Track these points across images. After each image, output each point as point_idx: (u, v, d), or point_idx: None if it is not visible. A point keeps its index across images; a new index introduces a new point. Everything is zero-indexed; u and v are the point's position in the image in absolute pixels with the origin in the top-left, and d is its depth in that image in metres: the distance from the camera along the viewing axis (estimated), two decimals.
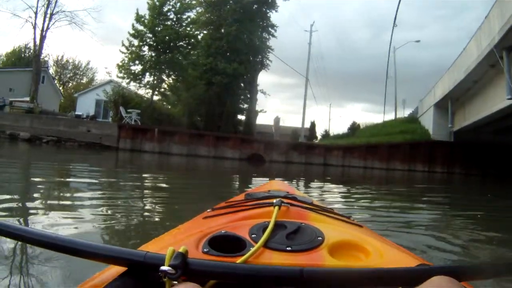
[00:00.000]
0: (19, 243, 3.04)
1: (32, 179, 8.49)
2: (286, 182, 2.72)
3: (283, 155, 27.31)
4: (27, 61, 40.73)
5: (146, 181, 10.23)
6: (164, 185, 9.78)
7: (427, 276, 0.71)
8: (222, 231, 1.11)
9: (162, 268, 0.77)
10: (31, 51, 35.84)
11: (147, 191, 8.30)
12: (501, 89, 16.32)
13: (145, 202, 6.64)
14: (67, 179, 9.11)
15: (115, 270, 0.90)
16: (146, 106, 30.37)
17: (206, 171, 17.25)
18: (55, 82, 46.84)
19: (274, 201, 1.35)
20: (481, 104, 20.69)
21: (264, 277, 0.79)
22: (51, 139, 22.94)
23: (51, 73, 45.29)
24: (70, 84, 55.24)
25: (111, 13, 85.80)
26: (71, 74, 56.29)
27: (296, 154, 27.78)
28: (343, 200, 8.77)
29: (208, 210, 1.60)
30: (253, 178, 13.99)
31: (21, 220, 4.40)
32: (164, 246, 0.98)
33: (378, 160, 27.57)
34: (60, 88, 50.83)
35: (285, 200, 1.40)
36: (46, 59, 44.54)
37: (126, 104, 28.44)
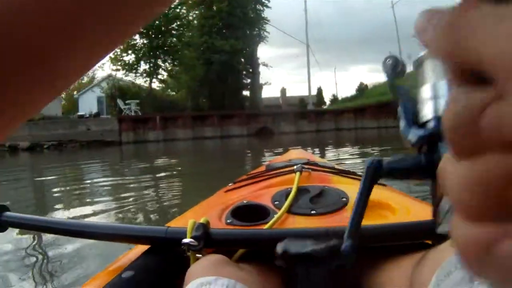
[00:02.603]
0: (42, 234, 3.44)
1: (45, 184, 8.86)
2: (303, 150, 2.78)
3: (293, 125, 26.71)
4: None
5: (156, 169, 10.41)
6: (175, 170, 9.98)
7: None
8: (244, 201, 1.10)
9: (184, 240, 0.78)
10: None
11: (159, 178, 8.46)
12: None
13: (160, 188, 7.04)
14: (77, 179, 9.44)
15: (138, 250, 0.91)
16: (146, 95, 30.10)
17: (216, 151, 17.35)
18: None
19: (295, 167, 1.32)
20: None
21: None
22: (52, 143, 22.51)
23: None
24: (71, 86, 54.40)
25: None
26: None
27: (306, 123, 27.22)
28: (362, 162, 8.64)
29: (229, 184, 1.58)
30: (266, 152, 13.79)
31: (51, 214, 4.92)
32: (186, 222, 0.92)
33: (391, 118, 26.37)
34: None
35: (306, 166, 1.38)
36: None
37: (123, 96, 28.14)
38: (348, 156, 10.74)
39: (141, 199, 5.68)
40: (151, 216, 4.77)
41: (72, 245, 3.21)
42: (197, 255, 0.79)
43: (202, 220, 0.82)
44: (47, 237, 3.60)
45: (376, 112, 27.01)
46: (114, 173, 10.54)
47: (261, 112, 29.30)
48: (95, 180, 8.73)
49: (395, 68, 0.52)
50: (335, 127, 26.71)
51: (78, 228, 0.99)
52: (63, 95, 48.87)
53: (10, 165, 15.51)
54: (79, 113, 31.18)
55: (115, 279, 0.80)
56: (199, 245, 0.77)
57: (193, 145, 21.26)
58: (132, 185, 7.36)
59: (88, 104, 34.93)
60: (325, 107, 37.71)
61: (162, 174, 9.17)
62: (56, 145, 22.60)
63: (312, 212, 0.99)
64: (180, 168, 10.42)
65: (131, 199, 5.67)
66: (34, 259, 3.26)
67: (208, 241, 0.79)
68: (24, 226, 1.08)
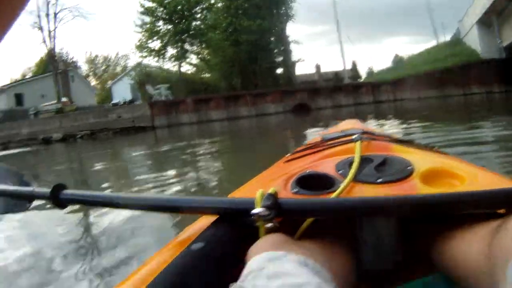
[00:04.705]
0: (100, 209, 3.65)
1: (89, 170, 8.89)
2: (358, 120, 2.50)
3: (329, 100, 26.17)
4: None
5: (193, 146, 10.57)
6: (213, 147, 10.03)
7: None
8: (308, 171, 1.07)
9: (254, 210, 0.75)
10: (56, 55, 35.84)
11: (198, 155, 8.53)
12: None
13: (200, 163, 7.06)
14: (117, 160, 9.87)
15: (203, 223, 0.90)
16: (176, 79, 29.97)
17: (252, 129, 17.29)
18: (89, 78, 47.85)
19: (354, 136, 1.29)
20: None
21: (361, 209, 0.77)
22: (85, 133, 22.74)
23: (82, 71, 46.13)
24: (105, 76, 55.32)
25: None
26: (104, 67, 56.60)
27: (343, 97, 26.59)
28: (414, 132, 8.45)
29: (287, 155, 1.56)
30: (305, 127, 13.43)
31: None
32: (248, 193, 0.92)
33: (430, 89, 25.42)
34: (97, 82, 52.04)
35: (365, 135, 1.34)
36: (73, 59, 45.49)
37: (153, 81, 28.23)
38: (395, 129, 10.11)
39: (184, 175, 5.80)
40: (202, 189, 4.81)
41: (131, 219, 3.33)
42: (266, 225, 0.75)
43: (271, 191, 0.78)
44: (104, 212, 3.72)
45: (413, 84, 25.87)
46: (152, 154, 10.68)
47: (296, 88, 28.71)
48: (134, 160, 9.13)
49: None
50: (374, 100, 25.99)
51: (141, 202, 0.99)
52: (99, 86, 49.79)
53: (48, 154, 15.84)
54: (113, 102, 31.59)
55: (185, 251, 0.79)
56: (270, 215, 0.74)
57: (229, 125, 21.13)
58: (171, 163, 7.54)
59: (121, 92, 35.22)
60: (361, 80, 36.67)
61: (201, 151, 9.13)
62: (89, 134, 22.76)
63: (378, 180, 0.94)
64: (219, 146, 10.45)
65: (173, 175, 5.81)
66: (95, 234, 3.40)
67: (279, 210, 0.75)
68: (83, 202, 1.12)
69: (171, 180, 5.41)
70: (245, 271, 0.61)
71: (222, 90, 30.42)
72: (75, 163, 11.13)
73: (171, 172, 6.24)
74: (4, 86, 34.02)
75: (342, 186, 0.91)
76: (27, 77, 42.84)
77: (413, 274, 0.86)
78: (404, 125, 10.42)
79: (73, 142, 21.10)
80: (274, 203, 0.75)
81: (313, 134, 8.23)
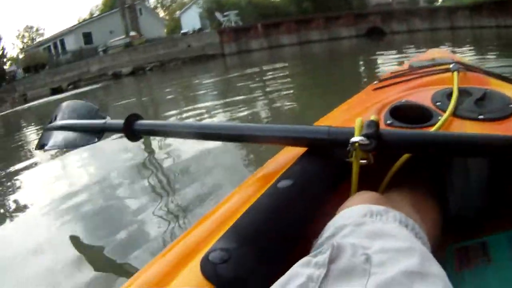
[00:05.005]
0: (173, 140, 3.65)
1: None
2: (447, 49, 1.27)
3: (404, 24, 24.33)
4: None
5: (265, 72, 10.23)
6: (286, 73, 9.51)
7: None
8: (403, 100, 1.01)
9: (354, 138, 0.70)
10: None
11: (268, 80, 8.24)
12: None
13: (273, 91, 6.69)
14: (188, 88, 9.70)
15: (290, 154, 0.84)
16: (245, 5, 29.02)
17: (324, 53, 16.90)
18: (157, 10, 48.00)
19: (451, 66, 1.21)
20: None
21: (468, 146, 0.71)
22: (154, 65, 22.53)
23: (150, 4, 45.68)
24: (173, 6, 54.81)
25: None
26: None
27: (418, 21, 24.45)
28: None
29: (375, 82, 1.44)
30: (379, 52, 12.69)
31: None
32: (339, 123, 0.89)
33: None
34: (165, 13, 52.34)
35: (461, 66, 1.25)
36: None
37: (221, 8, 27.61)
38: (484, 56, 8.97)
39: (256, 102, 5.60)
40: (276, 118, 4.60)
41: (207, 153, 3.25)
42: (361, 160, 0.71)
43: (372, 118, 0.72)
44: (178, 145, 3.69)
45: (494, 10, 23.19)
46: (222, 81, 10.50)
47: (369, 12, 27.11)
48: (204, 87, 9.01)
49: None
50: (450, 25, 23.65)
51: (218, 131, 0.94)
52: (166, 17, 49.87)
53: (118, 88, 16.27)
54: (182, 31, 31.26)
55: (272, 189, 0.74)
56: (371, 145, 0.68)
57: (300, 49, 20.79)
58: (242, 90, 7.34)
59: (190, 21, 34.79)
60: (437, 4, 34.12)
61: (272, 77, 8.75)
62: (159, 65, 22.56)
63: (480, 117, 0.87)
64: (290, 71, 9.99)
65: (245, 102, 5.60)
66: (169, 168, 3.37)
67: (379, 141, 0.69)
68: (158, 133, 1.12)
69: (243, 107, 5.16)
70: (338, 223, 0.58)
71: (293, 14, 28.97)
72: (145, 95, 11.17)
73: (243, 99, 6.01)
74: (72, 27, 34.15)
75: (441, 120, 0.85)
76: (94, 15, 42.96)
77: (497, 227, 0.81)
78: (491, 56, 9.09)
79: (142, 75, 21.14)
80: (375, 132, 0.68)
81: (391, 60, 8.02)
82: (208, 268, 0.57)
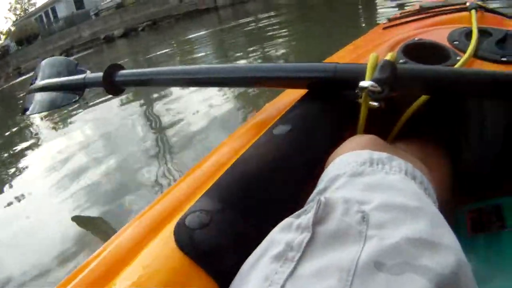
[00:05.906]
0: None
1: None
2: None
3: None
4: None
5: (260, 19, 10.03)
6: (284, 21, 9.12)
7: None
8: (417, 38, 0.92)
9: (363, 83, 0.61)
10: None
11: (266, 26, 8.05)
12: None
13: (272, 35, 6.47)
14: (183, 48, 9.30)
15: (289, 97, 0.77)
16: None
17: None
18: None
19: (468, 4, 1.14)
20: None
21: (497, 86, 0.63)
22: (146, 24, 22.23)
23: None
24: None
25: None
26: None
27: None
28: None
29: (384, 21, 1.33)
30: None
31: None
32: (345, 62, 0.80)
33: None
34: None
35: (479, 5, 1.16)
36: None
37: None
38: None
39: (253, 47, 5.44)
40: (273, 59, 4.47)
41: (201, 101, 3.22)
42: (370, 102, 0.62)
43: (388, 57, 0.62)
44: (173, 96, 3.75)
45: None
46: (215, 33, 10.42)
47: None
48: (199, 41, 8.96)
49: None
50: None
51: (209, 74, 0.86)
52: None
53: (110, 52, 16.14)
54: None
55: (266, 136, 0.66)
56: (383, 93, 0.59)
57: None
58: (237, 39, 7.39)
59: None
60: None
61: (269, 23, 8.51)
62: (151, 24, 22.26)
63: (503, 58, 0.81)
64: (286, 17, 9.80)
65: (241, 50, 5.53)
66: (164, 120, 3.34)
67: (396, 80, 0.61)
68: (143, 83, 1.00)
69: (239, 54, 5.04)
70: (331, 173, 0.48)
71: None
72: (139, 54, 11.00)
73: (238, 48, 5.85)
74: None
75: (462, 59, 0.77)
76: None
77: (510, 187, 0.77)
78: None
79: (135, 36, 20.83)
80: (392, 74, 0.60)
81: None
82: (182, 235, 0.47)
